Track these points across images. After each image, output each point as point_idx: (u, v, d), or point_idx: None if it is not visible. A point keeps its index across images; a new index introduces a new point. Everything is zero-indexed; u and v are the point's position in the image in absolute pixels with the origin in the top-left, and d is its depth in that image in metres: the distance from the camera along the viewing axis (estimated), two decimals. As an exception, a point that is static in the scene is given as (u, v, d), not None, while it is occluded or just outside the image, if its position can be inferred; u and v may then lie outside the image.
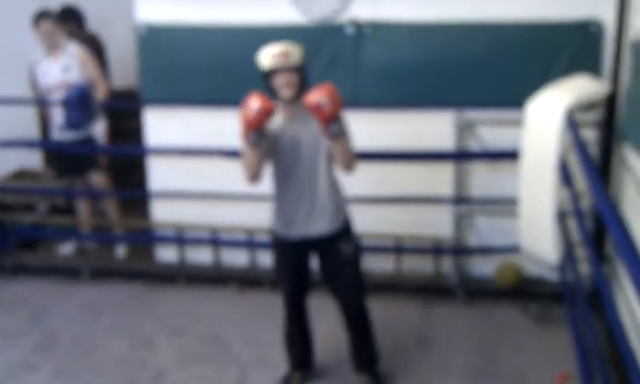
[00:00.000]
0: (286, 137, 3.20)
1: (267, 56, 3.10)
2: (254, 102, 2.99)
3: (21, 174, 6.03)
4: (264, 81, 3.15)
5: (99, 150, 5.12)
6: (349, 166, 3.19)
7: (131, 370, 3.87)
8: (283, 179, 3.26)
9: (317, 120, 3.00)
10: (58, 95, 4.85)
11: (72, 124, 4.85)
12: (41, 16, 4.81)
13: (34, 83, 5.03)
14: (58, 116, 4.91)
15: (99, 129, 5.00)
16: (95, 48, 5.44)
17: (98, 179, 5.13)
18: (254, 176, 3.20)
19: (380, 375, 3.60)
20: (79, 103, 4.80)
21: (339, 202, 3.34)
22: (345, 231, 3.35)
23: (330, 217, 3.27)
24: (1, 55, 5.80)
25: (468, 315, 4.31)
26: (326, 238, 3.30)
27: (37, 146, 6.03)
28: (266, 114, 2.99)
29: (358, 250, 3.43)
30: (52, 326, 4.35)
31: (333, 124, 2.97)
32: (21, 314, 4.52)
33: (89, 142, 5.00)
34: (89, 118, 4.91)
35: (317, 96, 2.94)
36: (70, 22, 5.49)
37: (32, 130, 5.93)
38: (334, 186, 3.31)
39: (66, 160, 5.12)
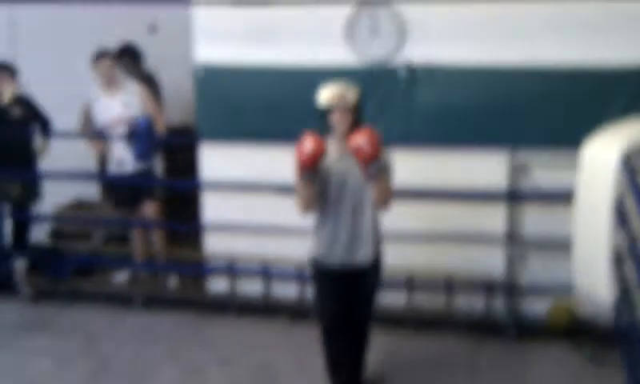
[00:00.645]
0: (335, 171, 3.38)
1: (326, 94, 3.35)
2: (308, 144, 3.22)
3: (78, 205, 6.22)
4: (321, 116, 3.35)
5: (156, 182, 5.27)
6: (384, 205, 3.39)
7: (182, 397, 3.93)
8: (328, 210, 3.41)
9: (357, 161, 3.21)
10: (117, 130, 5.03)
11: (141, 155, 5.01)
12: (100, 55, 5.04)
13: (88, 120, 5.21)
14: (118, 150, 5.09)
15: (157, 162, 5.17)
16: (151, 85, 5.63)
17: (150, 210, 5.27)
18: (308, 208, 3.41)
19: None
20: (147, 134, 4.98)
21: (377, 236, 3.50)
22: (376, 265, 3.50)
23: (369, 249, 3.42)
24: (61, 92, 6.03)
25: (519, 354, 4.27)
26: (361, 269, 3.43)
27: (95, 178, 6.18)
28: (319, 155, 3.23)
29: (380, 285, 3.58)
30: (105, 351, 4.45)
31: (371, 165, 3.18)
32: (76, 339, 4.62)
33: (147, 174, 5.17)
34: (154, 149, 5.09)
35: (358, 139, 3.19)
36: (128, 59, 5.71)
37: (89, 164, 6.11)
38: (375, 221, 3.47)
39: (124, 192, 5.28)
